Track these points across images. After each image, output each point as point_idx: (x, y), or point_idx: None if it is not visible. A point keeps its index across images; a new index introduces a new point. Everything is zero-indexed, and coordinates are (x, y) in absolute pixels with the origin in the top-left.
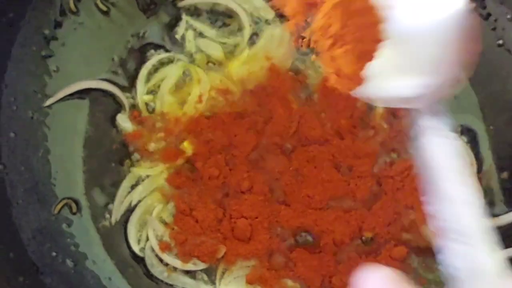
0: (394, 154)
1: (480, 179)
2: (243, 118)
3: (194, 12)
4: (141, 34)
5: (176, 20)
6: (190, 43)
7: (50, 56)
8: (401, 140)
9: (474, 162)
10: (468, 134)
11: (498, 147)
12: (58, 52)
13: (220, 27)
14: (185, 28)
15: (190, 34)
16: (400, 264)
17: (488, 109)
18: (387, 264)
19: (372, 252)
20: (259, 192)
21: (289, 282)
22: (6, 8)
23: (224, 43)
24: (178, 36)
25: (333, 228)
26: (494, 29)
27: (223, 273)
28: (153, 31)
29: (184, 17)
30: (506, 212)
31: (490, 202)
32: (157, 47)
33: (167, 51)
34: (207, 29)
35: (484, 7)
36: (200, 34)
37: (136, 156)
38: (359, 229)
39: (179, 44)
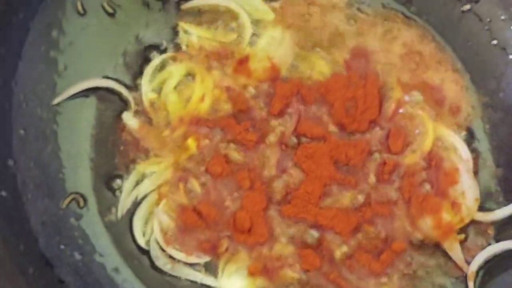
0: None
1: (476, 175)
2: (245, 116)
3: (195, 14)
4: (145, 35)
5: (177, 24)
6: (191, 44)
7: (58, 56)
8: (398, 137)
9: (471, 158)
10: (466, 131)
11: (494, 144)
12: (66, 51)
13: (220, 27)
14: (185, 33)
15: (190, 37)
16: (398, 256)
17: (485, 107)
18: (389, 258)
19: (374, 247)
20: (259, 188)
21: (289, 273)
22: (16, 8)
23: (224, 43)
24: (179, 39)
25: (333, 224)
26: (488, 29)
27: (225, 265)
28: (157, 32)
29: (182, 25)
30: (502, 207)
31: (486, 197)
32: (161, 47)
33: (170, 51)
34: (206, 32)
35: (479, 8)
36: (200, 37)
37: (142, 152)
38: (359, 225)
39: (181, 45)
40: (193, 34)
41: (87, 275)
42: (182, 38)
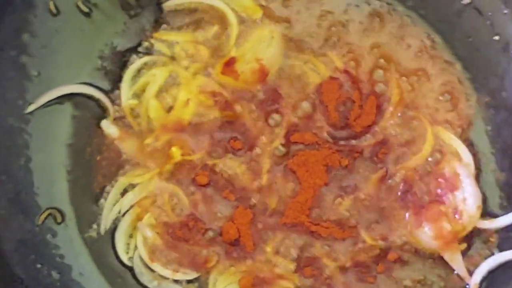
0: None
1: (478, 180)
2: (233, 123)
3: (176, 16)
4: (123, 36)
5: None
6: (171, 48)
7: (30, 61)
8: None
9: (472, 163)
10: (467, 134)
11: (497, 147)
12: (38, 56)
13: (202, 29)
14: (164, 43)
15: (171, 46)
16: (395, 267)
17: (486, 108)
18: (385, 269)
19: (369, 258)
20: (247, 199)
21: (283, 284)
22: None
23: (209, 45)
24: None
25: (327, 234)
26: (490, 24)
27: (216, 280)
28: (135, 33)
29: (160, 36)
30: (504, 214)
31: (488, 203)
32: (140, 49)
33: (151, 53)
34: (187, 36)
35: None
36: (182, 42)
37: (123, 162)
38: (354, 235)
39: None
40: (174, 43)
41: None
42: (161, 47)
